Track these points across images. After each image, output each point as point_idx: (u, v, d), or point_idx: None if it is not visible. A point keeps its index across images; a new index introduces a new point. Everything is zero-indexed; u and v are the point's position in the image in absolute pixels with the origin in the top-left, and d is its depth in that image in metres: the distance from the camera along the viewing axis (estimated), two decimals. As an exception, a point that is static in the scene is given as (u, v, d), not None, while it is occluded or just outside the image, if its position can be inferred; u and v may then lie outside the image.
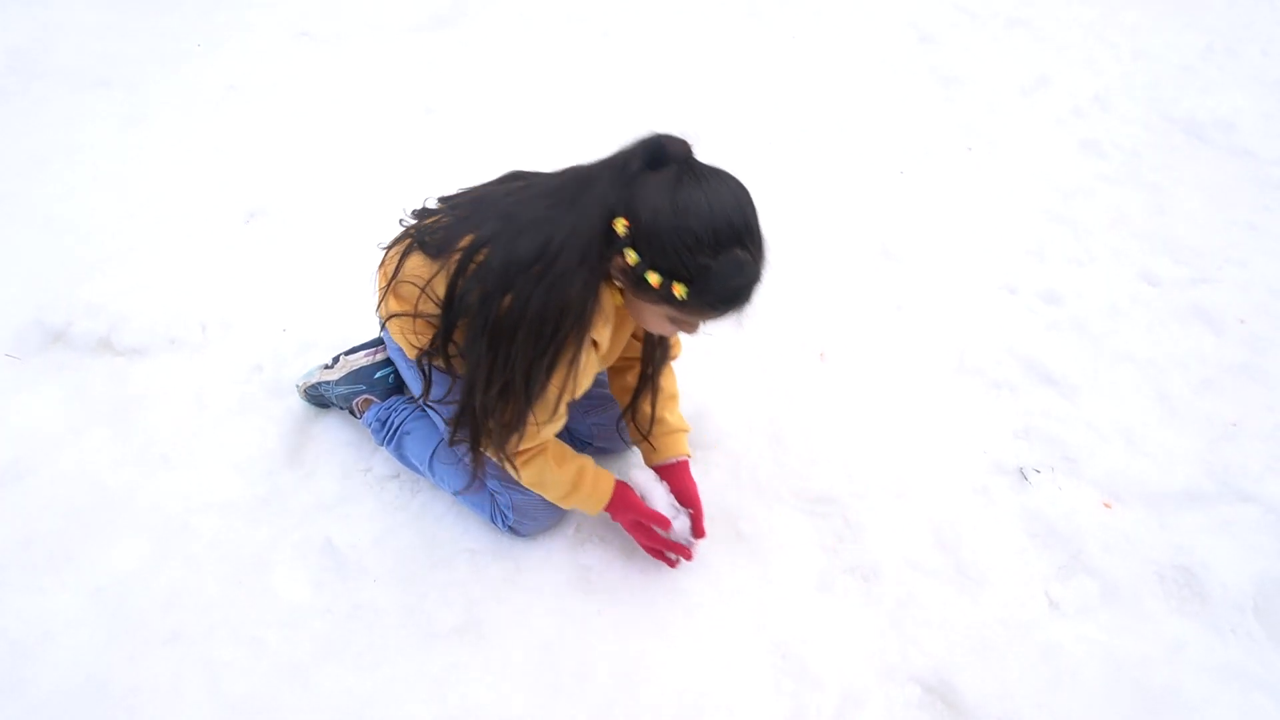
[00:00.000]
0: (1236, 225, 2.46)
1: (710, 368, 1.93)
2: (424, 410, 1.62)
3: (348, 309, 1.99)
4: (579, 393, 1.30)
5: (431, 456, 1.59)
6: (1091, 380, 1.94)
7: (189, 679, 1.38)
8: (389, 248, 1.45)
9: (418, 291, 1.33)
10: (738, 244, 1.13)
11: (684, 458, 1.58)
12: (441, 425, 1.59)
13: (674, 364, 1.61)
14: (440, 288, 1.26)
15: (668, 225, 1.11)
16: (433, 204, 1.43)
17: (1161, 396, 1.92)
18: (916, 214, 2.51)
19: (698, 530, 1.55)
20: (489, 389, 1.22)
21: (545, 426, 1.31)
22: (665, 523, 1.50)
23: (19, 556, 1.53)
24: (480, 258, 1.20)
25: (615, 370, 1.62)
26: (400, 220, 1.43)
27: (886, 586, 1.54)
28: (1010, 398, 1.91)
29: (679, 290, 1.13)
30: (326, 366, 1.74)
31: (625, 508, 1.49)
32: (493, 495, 1.55)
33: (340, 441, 1.75)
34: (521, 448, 1.34)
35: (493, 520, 1.57)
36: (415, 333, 1.37)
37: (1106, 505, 1.69)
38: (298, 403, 1.82)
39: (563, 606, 1.50)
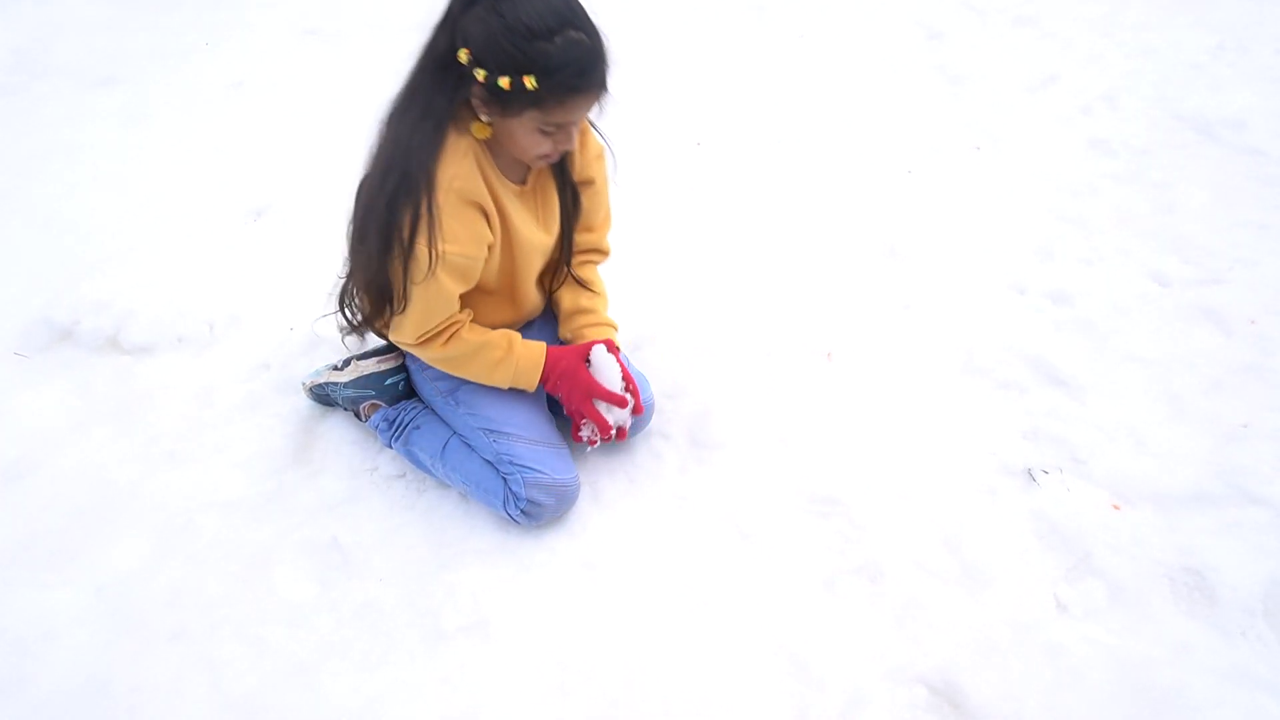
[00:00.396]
0: (1246, 225, 2.44)
1: (715, 367, 1.92)
2: (433, 410, 1.66)
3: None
4: (451, 246, 1.32)
5: (444, 448, 1.60)
6: (1099, 381, 1.93)
7: (191, 678, 1.38)
8: None
9: None
10: (569, 26, 1.21)
11: (606, 339, 1.61)
12: (454, 425, 1.61)
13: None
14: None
15: (499, 30, 1.19)
16: None
17: (1170, 397, 1.90)
18: (923, 213, 2.50)
19: (637, 408, 1.61)
20: (359, 247, 1.34)
21: (430, 293, 1.36)
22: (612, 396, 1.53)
23: (22, 554, 1.53)
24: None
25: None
26: None
27: (892, 587, 1.54)
28: (1018, 398, 1.90)
29: (529, 81, 1.20)
30: (335, 368, 1.73)
31: (559, 357, 1.53)
32: (505, 479, 1.55)
33: (346, 440, 1.74)
34: (426, 330, 1.41)
35: (504, 508, 1.55)
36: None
37: (1116, 507, 1.68)
38: (304, 401, 1.81)
39: (569, 606, 1.49)
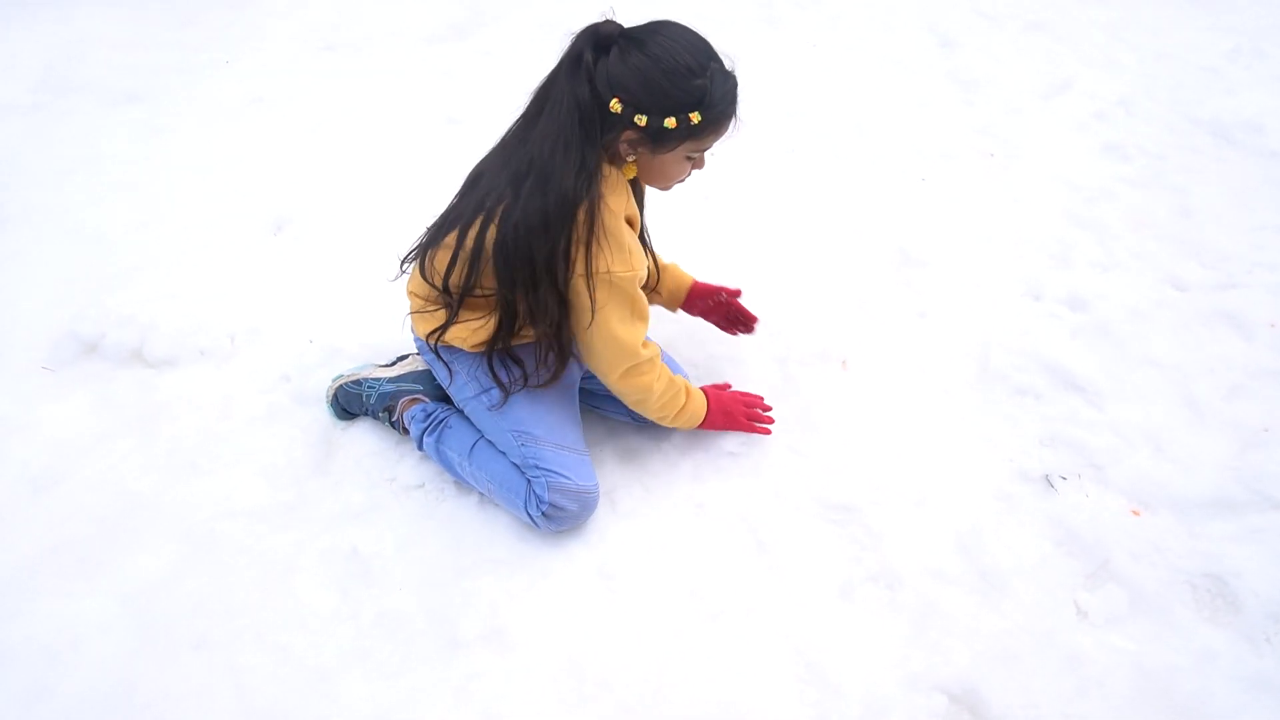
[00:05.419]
0: (1264, 228, 2.43)
1: (730, 375, 1.93)
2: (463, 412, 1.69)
3: (372, 318, 2.01)
4: (639, 267, 1.42)
5: (473, 447, 1.62)
6: (1118, 386, 1.92)
7: (216, 686, 1.40)
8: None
9: (427, 286, 1.50)
10: (711, 59, 1.32)
11: (691, 280, 1.86)
12: (483, 426, 1.63)
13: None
14: (445, 260, 1.43)
15: (657, 76, 1.28)
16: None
17: (1189, 402, 1.89)
18: (938, 220, 2.50)
19: (747, 316, 1.87)
20: (533, 293, 1.37)
21: (631, 308, 1.44)
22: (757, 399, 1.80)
23: (49, 562, 1.56)
24: (477, 227, 1.38)
25: None
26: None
27: (909, 595, 1.53)
28: (1035, 404, 1.89)
29: (695, 117, 1.31)
30: (382, 365, 1.81)
31: (715, 401, 1.70)
32: (530, 481, 1.56)
33: (366, 451, 1.76)
34: (633, 358, 1.48)
35: (525, 508, 1.56)
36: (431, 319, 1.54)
37: (1135, 513, 1.67)
38: (323, 412, 1.83)
39: (586, 615, 1.50)
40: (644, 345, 1.50)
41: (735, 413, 1.73)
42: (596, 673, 1.42)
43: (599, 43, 1.31)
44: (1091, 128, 2.92)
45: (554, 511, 1.54)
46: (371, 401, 1.76)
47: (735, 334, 1.91)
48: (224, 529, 1.62)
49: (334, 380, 1.81)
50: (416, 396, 1.75)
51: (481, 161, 1.50)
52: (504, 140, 1.44)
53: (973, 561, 1.58)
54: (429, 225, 1.54)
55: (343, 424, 1.82)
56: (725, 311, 1.88)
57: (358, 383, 1.77)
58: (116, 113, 2.92)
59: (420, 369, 1.79)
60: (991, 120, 2.96)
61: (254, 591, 1.52)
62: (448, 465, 1.67)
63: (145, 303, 2.02)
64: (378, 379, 1.77)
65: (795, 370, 1.96)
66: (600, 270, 1.36)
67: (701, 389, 1.71)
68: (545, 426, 1.57)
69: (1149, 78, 3.17)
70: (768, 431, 1.77)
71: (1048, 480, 1.73)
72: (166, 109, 2.94)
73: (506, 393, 1.54)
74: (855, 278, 2.27)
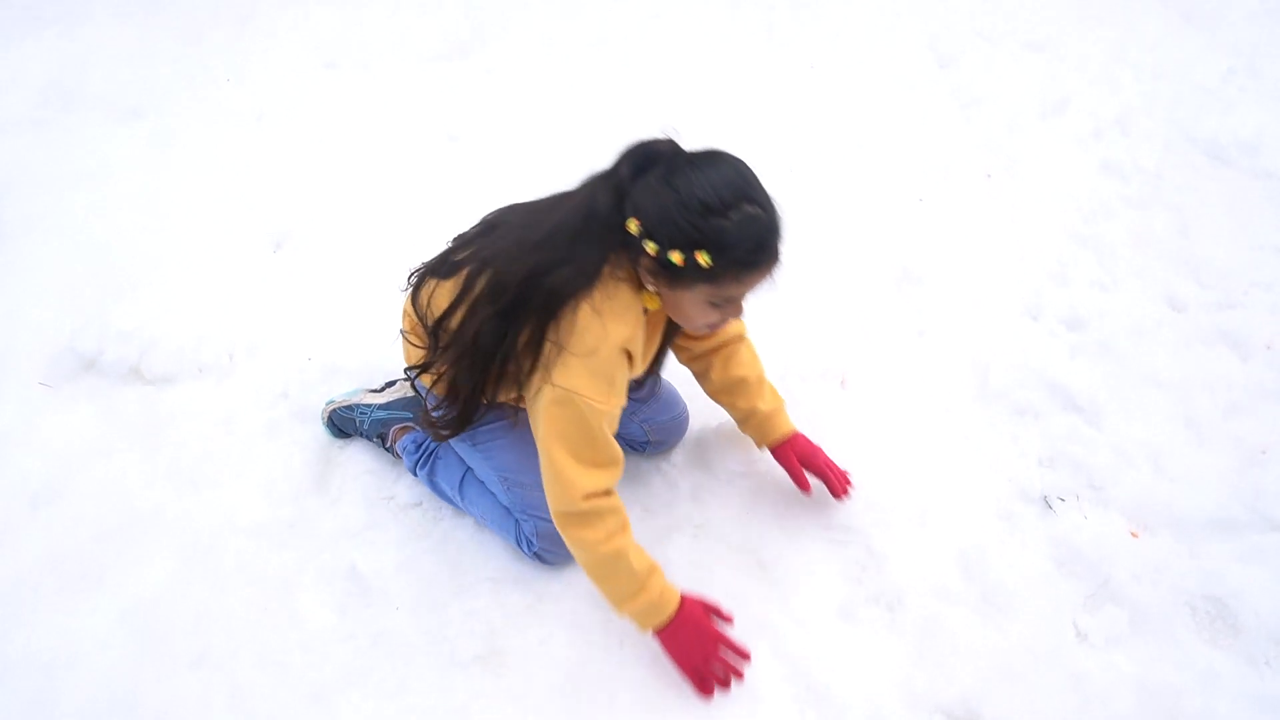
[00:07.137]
0: (1262, 248, 2.44)
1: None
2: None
3: (371, 336, 2.02)
4: (614, 409, 1.30)
5: (462, 482, 1.61)
6: (1116, 405, 1.92)
7: (215, 702, 1.39)
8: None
9: (415, 320, 1.45)
10: (745, 200, 1.19)
11: (791, 433, 1.64)
12: (471, 465, 1.61)
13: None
14: (443, 302, 1.35)
15: (674, 204, 1.17)
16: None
17: (1189, 422, 1.89)
18: (937, 239, 2.50)
19: (835, 490, 1.62)
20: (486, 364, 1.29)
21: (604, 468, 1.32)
22: (726, 618, 1.45)
23: (49, 577, 1.56)
24: (481, 282, 1.29)
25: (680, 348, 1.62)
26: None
27: (910, 615, 1.53)
28: (1034, 424, 1.90)
29: (703, 258, 1.17)
30: (373, 390, 1.78)
31: (689, 612, 1.39)
32: (518, 522, 1.56)
33: (364, 469, 1.76)
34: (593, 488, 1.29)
35: (518, 545, 1.57)
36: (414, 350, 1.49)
37: (1134, 534, 1.67)
38: (322, 430, 1.83)
39: (585, 635, 1.50)
40: (593, 498, 1.29)
41: (690, 655, 1.38)
42: (595, 693, 1.41)
43: (646, 159, 1.23)
44: (1089, 146, 2.93)
45: (545, 553, 1.53)
46: (365, 427, 1.76)
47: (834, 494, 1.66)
48: (223, 545, 1.62)
49: (326, 404, 1.81)
50: (407, 425, 1.73)
51: (504, 210, 1.43)
52: (534, 205, 1.37)
53: (974, 581, 1.58)
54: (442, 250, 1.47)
55: (340, 442, 1.82)
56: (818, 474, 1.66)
57: (350, 408, 1.77)
58: (120, 128, 2.93)
59: (410, 394, 1.76)
60: (990, 138, 2.98)
61: (253, 608, 1.52)
62: (441, 496, 1.67)
63: (145, 319, 2.02)
64: (369, 405, 1.76)
65: (794, 388, 1.96)
66: (564, 383, 1.22)
67: (684, 600, 1.38)
68: (532, 471, 1.40)
69: (1146, 96, 3.19)
70: (708, 695, 1.38)
71: (1046, 501, 1.73)
72: (170, 124, 2.95)
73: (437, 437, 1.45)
74: (855, 296, 2.27)
